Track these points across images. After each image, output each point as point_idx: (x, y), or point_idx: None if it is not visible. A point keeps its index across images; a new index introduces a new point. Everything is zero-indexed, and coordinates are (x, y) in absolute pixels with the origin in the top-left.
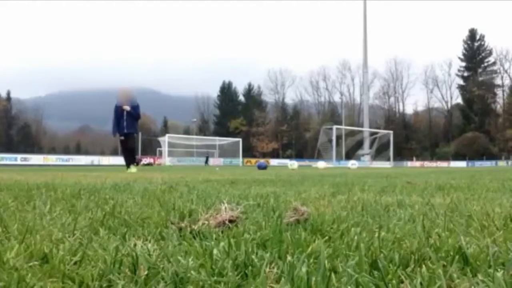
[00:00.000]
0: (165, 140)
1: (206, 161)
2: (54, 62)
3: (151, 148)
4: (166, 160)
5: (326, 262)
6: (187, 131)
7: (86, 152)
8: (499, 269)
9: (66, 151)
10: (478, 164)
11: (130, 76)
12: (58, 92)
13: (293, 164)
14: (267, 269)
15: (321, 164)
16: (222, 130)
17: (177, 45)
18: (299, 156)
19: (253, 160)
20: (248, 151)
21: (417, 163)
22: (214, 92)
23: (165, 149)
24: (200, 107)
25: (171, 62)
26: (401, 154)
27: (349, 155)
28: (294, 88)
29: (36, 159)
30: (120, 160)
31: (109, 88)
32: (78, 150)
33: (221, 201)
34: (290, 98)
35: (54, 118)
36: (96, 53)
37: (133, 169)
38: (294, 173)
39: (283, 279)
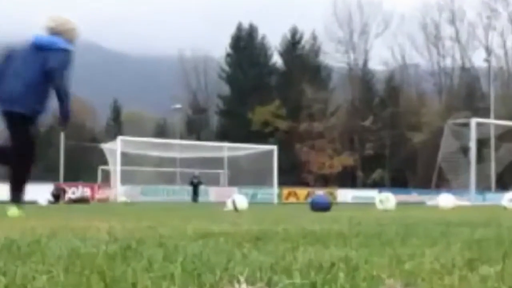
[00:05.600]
0: (115, 148)
1: (195, 192)
2: None
3: (88, 165)
4: (119, 191)
5: None
6: (161, 129)
7: None
8: None
9: None
10: None
11: None
12: None
13: (386, 199)
14: None
15: (445, 199)
16: (235, 127)
17: None
18: (398, 181)
19: (302, 192)
20: (291, 172)
21: None
22: (218, 48)
23: (115, 167)
24: (190, 79)
25: None
26: None
27: (506, 182)
28: (388, 38)
29: None
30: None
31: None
32: None
33: (233, 278)
34: (380, 58)
35: None
36: None
37: (14, 210)
38: (388, 217)
39: None
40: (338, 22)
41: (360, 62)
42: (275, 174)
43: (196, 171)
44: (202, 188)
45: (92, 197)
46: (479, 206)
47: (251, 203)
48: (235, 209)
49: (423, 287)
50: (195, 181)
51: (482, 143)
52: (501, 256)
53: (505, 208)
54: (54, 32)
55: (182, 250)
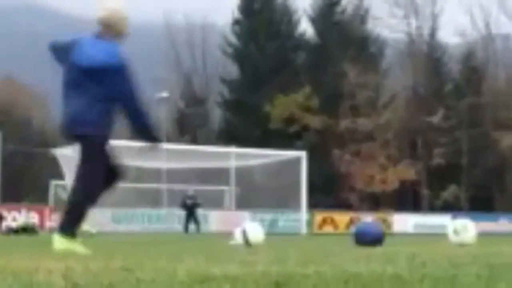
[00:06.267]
0: (74, 156)
1: (189, 218)
2: None
3: (35, 180)
4: None
5: None
6: None
7: None
8: None
9: None
10: None
11: None
12: None
13: (463, 228)
14: None
15: None
16: (246, 125)
17: None
18: (480, 202)
19: (342, 218)
20: (327, 189)
21: None
22: (222, 11)
23: None
24: (182, 56)
25: None
26: None
27: None
28: None
29: None
30: None
31: None
32: None
33: None
34: (455, 27)
35: None
36: None
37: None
38: (465, 254)
39: None
40: None
41: (426, 32)
42: (304, 192)
43: (191, 189)
44: (199, 212)
45: (42, 226)
46: None
47: (269, 234)
48: (247, 242)
49: None
50: (189, 202)
51: None
52: None
53: None
54: (105, 22)
55: None
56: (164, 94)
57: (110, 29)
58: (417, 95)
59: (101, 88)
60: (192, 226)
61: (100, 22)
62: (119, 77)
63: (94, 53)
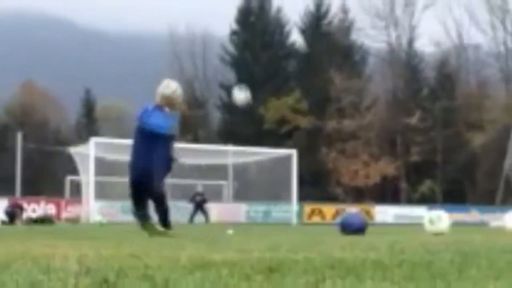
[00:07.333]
0: (87, 153)
1: (197, 211)
2: None
3: (52, 176)
4: (92, 208)
5: None
6: None
7: None
8: None
9: None
10: None
11: None
12: None
13: (437, 218)
14: None
15: None
16: (242, 125)
17: None
18: (453, 195)
19: (328, 209)
20: (315, 183)
21: None
22: (221, 23)
23: (88, 178)
24: (184, 63)
25: None
26: None
27: None
28: (440, 10)
29: None
30: None
31: None
32: None
33: None
34: (430, 37)
35: None
36: None
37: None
38: (440, 242)
39: None
40: None
41: (404, 42)
42: (294, 186)
43: (200, 187)
44: (205, 206)
45: (58, 216)
46: None
47: (263, 224)
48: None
49: None
50: (199, 198)
51: None
52: None
53: None
54: (167, 99)
55: (174, 285)
56: None
57: (170, 104)
58: (396, 98)
59: (156, 148)
60: (197, 218)
61: (164, 97)
62: (168, 143)
63: (158, 122)
